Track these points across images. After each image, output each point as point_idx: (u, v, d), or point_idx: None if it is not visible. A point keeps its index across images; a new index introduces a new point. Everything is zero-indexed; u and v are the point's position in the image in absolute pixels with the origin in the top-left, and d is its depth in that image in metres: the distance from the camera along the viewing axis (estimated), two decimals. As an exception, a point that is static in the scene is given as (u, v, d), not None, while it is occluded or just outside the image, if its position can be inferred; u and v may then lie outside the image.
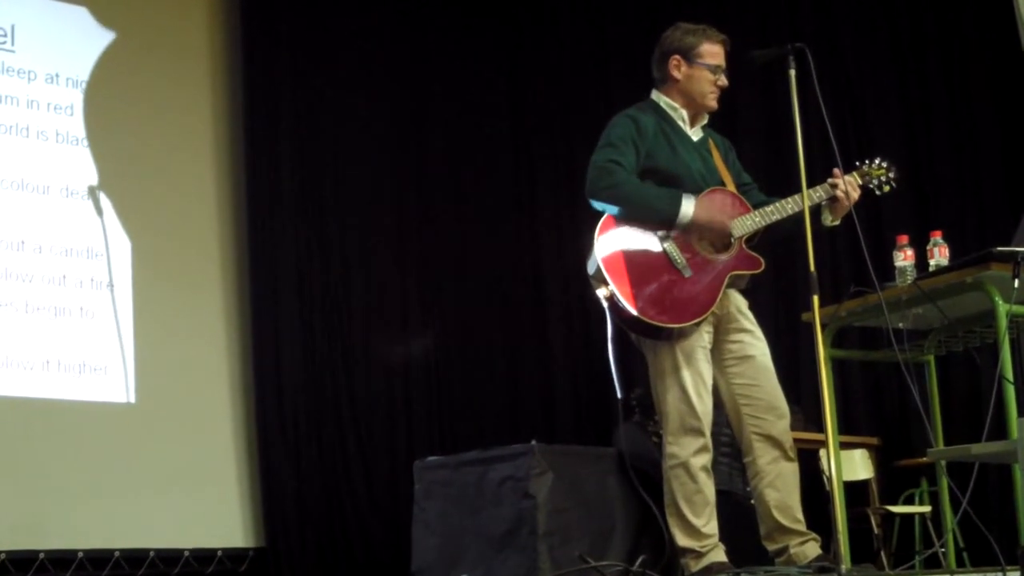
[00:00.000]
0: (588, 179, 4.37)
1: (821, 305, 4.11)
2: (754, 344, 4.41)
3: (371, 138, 8.03)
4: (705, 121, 4.60)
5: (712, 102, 4.52)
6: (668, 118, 4.51)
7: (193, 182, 7.52)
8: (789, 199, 4.37)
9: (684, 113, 4.53)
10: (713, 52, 4.50)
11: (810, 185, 4.28)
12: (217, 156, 7.64)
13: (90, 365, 6.94)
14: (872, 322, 4.83)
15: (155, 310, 7.16)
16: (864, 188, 4.52)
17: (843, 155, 4.34)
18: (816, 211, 4.43)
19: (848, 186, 4.42)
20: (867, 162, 4.60)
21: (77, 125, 7.16)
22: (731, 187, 4.50)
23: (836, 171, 4.44)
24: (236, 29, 7.76)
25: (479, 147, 8.42)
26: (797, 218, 4.31)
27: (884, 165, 4.59)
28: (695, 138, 4.54)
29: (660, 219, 4.32)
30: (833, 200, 4.43)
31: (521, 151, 8.57)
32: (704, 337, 4.34)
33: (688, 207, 4.30)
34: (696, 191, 4.38)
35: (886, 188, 4.61)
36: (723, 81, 4.50)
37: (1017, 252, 4.15)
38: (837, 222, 4.51)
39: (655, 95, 4.58)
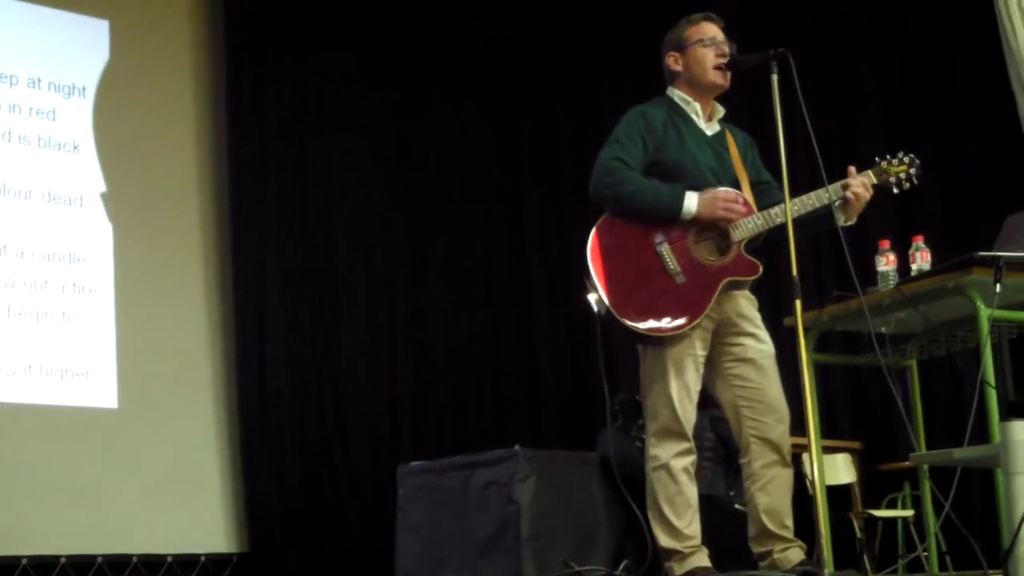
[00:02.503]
0: (592, 176, 4.33)
1: (804, 309, 4.11)
2: (755, 347, 4.35)
3: (358, 139, 8.01)
4: (721, 114, 4.52)
5: (717, 77, 4.41)
6: (681, 112, 4.46)
7: (176, 186, 7.50)
8: (795, 200, 4.23)
9: (697, 107, 4.47)
10: (699, 30, 4.46)
11: (798, 188, 4.25)
12: (200, 159, 7.62)
13: (72, 370, 6.92)
14: (854, 326, 4.83)
15: (138, 315, 7.15)
16: (881, 187, 4.37)
17: (826, 159, 4.27)
18: (828, 211, 4.36)
19: (860, 186, 4.30)
20: (887, 158, 4.40)
21: (59, 130, 7.14)
22: (746, 185, 4.42)
23: (851, 169, 4.35)
24: (219, 29, 7.74)
25: (468, 149, 8.41)
26: (807, 219, 4.28)
27: (906, 161, 4.38)
28: (709, 132, 4.48)
29: (662, 215, 4.27)
30: (845, 200, 4.31)
31: (510, 155, 8.56)
32: (695, 344, 4.29)
33: (691, 203, 4.26)
34: (705, 186, 4.31)
35: (906, 186, 4.38)
36: (723, 49, 4.41)
37: (999, 257, 4.15)
38: (852, 221, 4.35)
39: (669, 90, 4.53)
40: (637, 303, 4.23)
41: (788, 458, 4.33)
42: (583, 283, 4.31)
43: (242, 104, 7.64)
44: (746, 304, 4.40)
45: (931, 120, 6.75)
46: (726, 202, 4.27)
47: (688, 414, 4.31)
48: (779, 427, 4.31)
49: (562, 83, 8.41)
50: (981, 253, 4.22)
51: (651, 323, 4.23)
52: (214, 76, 7.74)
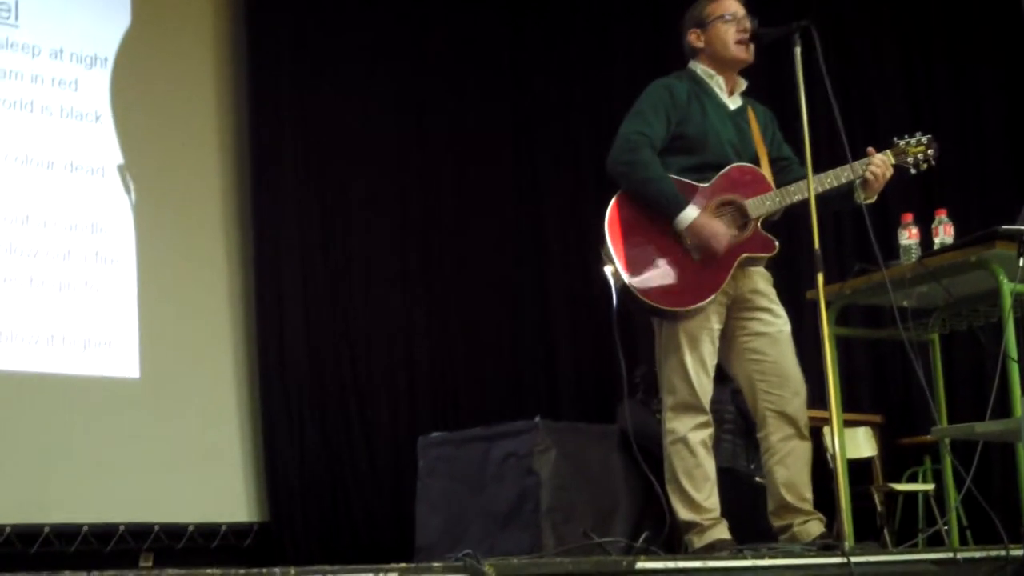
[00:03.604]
0: (613, 148, 4.32)
1: (826, 283, 4.09)
2: (772, 322, 4.35)
3: (374, 123, 8.00)
4: (743, 88, 4.50)
5: (741, 52, 4.39)
6: (704, 85, 4.45)
7: (197, 156, 7.51)
8: (816, 177, 4.18)
9: (720, 80, 4.46)
10: (720, 6, 4.44)
11: (819, 164, 4.23)
12: (222, 130, 7.63)
13: (95, 340, 6.95)
14: (876, 300, 4.82)
15: (160, 285, 7.17)
16: (899, 167, 4.36)
17: (847, 137, 4.22)
18: (848, 189, 4.34)
19: (881, 165, 4.28)
20: (905, 138, 4.39)
21: (81, 100, 7.15)
22: (765, 160, 4.40)
23: (870, 149, 4.33)
24: (241, 7, 7.74)
25: (482, 128, 8.40)
26: (827, 196, 4.27)
27: (924, 141, 4.38)
28: (732, 106, 4.46)
29: (662, 212, 4.26)
30: (864, 179, 4.29)
31: (523, 133, 8.54)
32: (711, 319, 4.29)
33: (686, 217, 4.23)
34: (725, 160, 4.32)
35: (923, 166, 4.38)
36: (744, 25, 4.39)
37: (1022, 231, 4.14)
38: (872, 199, 4.34)
39: (692, 64, 4.51)
40: (653, 277, 4.23)
41: (805, 431, 4.33)
42: (600, 255, 4.31)
43: (263, 74, 7.65)
44: (761, 280, 4.40)
45: (953, 94, 6.72)
46: (741, 183, 4.25)
47: (704, 387, 4.30)
48: (795, 400, 4.31)
49: (572, 71, 8.36)
50: (1004, 227, 4.21)
51: (667, 297, 4.22)
52: (235, 45, 7.74)
